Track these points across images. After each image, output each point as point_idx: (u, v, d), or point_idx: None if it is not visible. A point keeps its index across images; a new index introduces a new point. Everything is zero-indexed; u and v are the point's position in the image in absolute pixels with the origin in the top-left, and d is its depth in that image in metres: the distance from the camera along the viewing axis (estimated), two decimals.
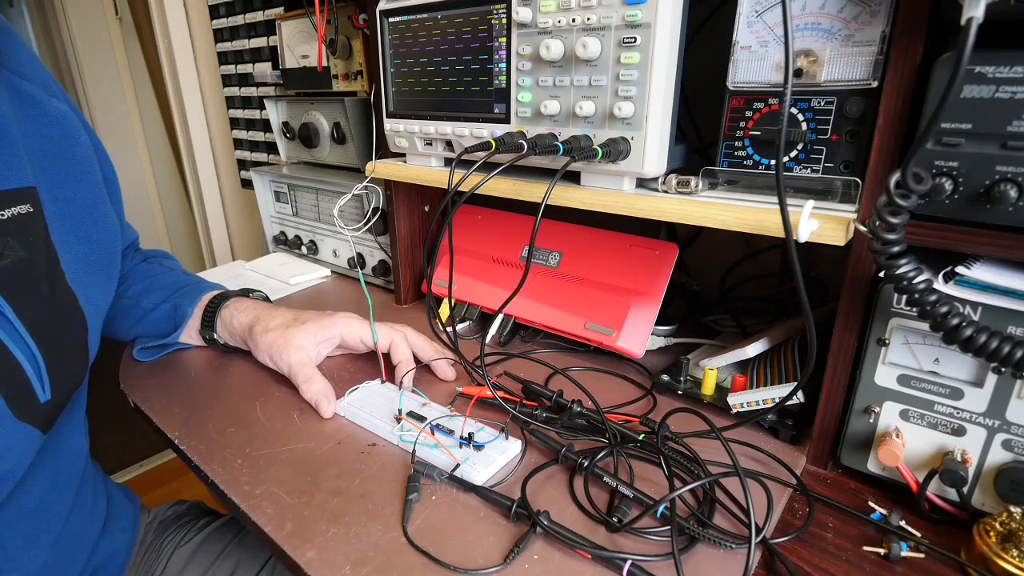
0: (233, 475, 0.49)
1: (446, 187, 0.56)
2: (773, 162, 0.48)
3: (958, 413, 0.42)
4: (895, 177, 0.35)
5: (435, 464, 0.49)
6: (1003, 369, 0.39)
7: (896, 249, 0.37)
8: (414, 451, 0.50)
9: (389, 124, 0.70)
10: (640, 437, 0.50)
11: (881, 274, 0.42)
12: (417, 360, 0.64)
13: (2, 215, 0.46)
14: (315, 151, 0.96)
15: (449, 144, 0.66)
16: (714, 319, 0.77)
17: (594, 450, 0.49)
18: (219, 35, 1.28)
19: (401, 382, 0.61)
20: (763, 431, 0.54)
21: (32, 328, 0.47)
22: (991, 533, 0.39)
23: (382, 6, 0.64)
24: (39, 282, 0.49)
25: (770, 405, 0.51)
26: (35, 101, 0.53)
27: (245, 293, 0.70)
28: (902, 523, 0.43)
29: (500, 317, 0.71)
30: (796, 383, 0.48)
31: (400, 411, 0.55)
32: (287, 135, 1.02)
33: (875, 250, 0.38)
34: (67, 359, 0.52)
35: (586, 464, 0.47)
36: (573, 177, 0.57)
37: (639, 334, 0.63)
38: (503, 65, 0.56)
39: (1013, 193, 0.35)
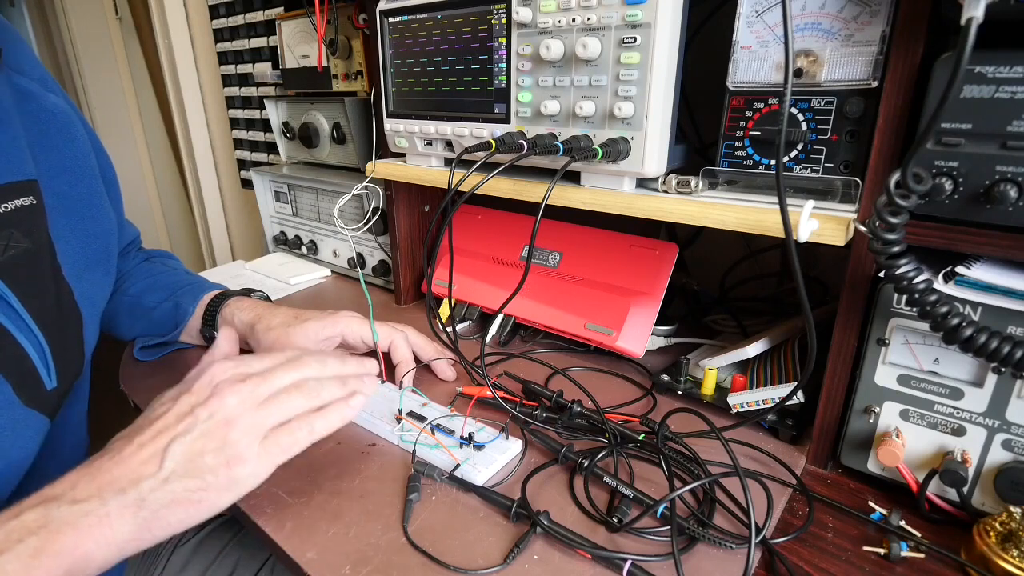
0: None
1: (446, 187, 0.56)
2: (773, 162, 0.48)
3: (958, 413, 0.42)
4: (895, 177, 0.35)
5: (435, 464, 0.49)
6: (1003, 369, 0.39)
7: (896, 249, 0.37)
8: (414, 451, 0.50)
9: (389, 124, 0.70)
10: (640, 437, 0.50)
11: (881, 274, 0.42)
12: (417, 360, 0.64)
13: (6, 207, 0.47)
14: (315, 151, 0.96)
15: (449, 144, 0.66)
16: (714, 319, 0.77)
17: (594, 450, 0.49)
18: (219, 35, 1.28)
19: (401, 382, 0.61)
20: (763, 431, 0.54)
21: (37, 317, 0.48)
22: (991, 533, 0.39)
23: (382, 6, 0.64)
24: (43, 273, 0.50)
25: (770, 405, 0.51)
26: (33, 96, 0.54)
27: (246, 293, 0.70)
28: (902, 523, 0.43)
29: (500, 317, 0.71)
30: (796, 383, 0.48)
31: (400, 411, 0.55)
32: (287, 135, 1.02)
33: (875, 250, 0.38)
34: (69, 348, 0.52)
35: (586, 464, 0.47)
36: (573, 177, 0.57)
37: (639, 334, 0.63)
38: (503, 65, 0.56)
39: (1013, 193, 0.35)
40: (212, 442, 0.39)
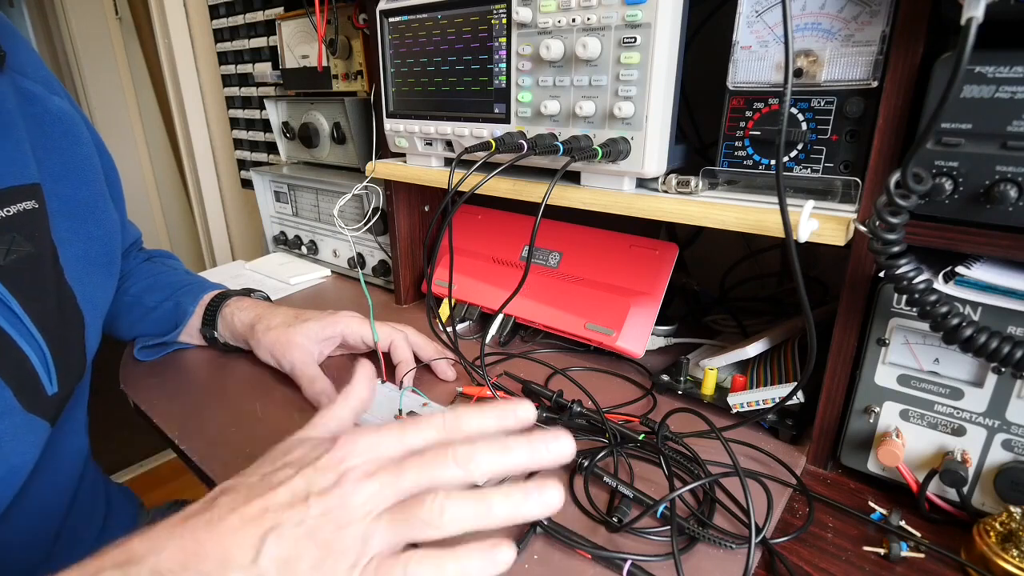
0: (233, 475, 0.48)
1: (446, 187, 0.56)
2: (773, 162, 0.48)
3: (958, 413, 0.42)
4: (895, 177, 0.35)
5: None
6: (1003, 369, 0.39)
7: (896, 249, 0.37)
8: None
9: (389, 124, 0.70)
10: (640, 437, 0.50)
11: (881, 274, 0.42)
12: (417, 360, 0.64)
13: (8, 211, 0.47)
14: (315, 151, 0.96)
15: (449, 144, 0.66)
16: (714, 319, 0.77)
17: (594, 450, 0.49)
18: (219, 35, 1.28)
19: (401, 382, 0.61)
20: (763, 431, 0.54)
21: (39, 322, 0.48)
22: (991, 533, 0.39)
23: (382, 6, 0.64)
24: (45, 277, 0.50)
25: (770, 405, 0.51)
26: (37, 99, 0.53)
27: (246, 292, 0.70)
28: (902, 523, 0.43)
29: (500, 317, 0.71)
30: (796, 383, 0.48)
31: (400, 411, 0.55)
32: (287, 135, 1.02)
33: (875, 250, 0.38)
34: (70, 352, 0.52)
35: (586, 464, 0.47)
36: (573, 177, 0.57)
37: (639, 334, 0.63)
38: (503, 65, 0.56)
39: (1013, 193, 0.35)
40: (313, 549, 0.31)
